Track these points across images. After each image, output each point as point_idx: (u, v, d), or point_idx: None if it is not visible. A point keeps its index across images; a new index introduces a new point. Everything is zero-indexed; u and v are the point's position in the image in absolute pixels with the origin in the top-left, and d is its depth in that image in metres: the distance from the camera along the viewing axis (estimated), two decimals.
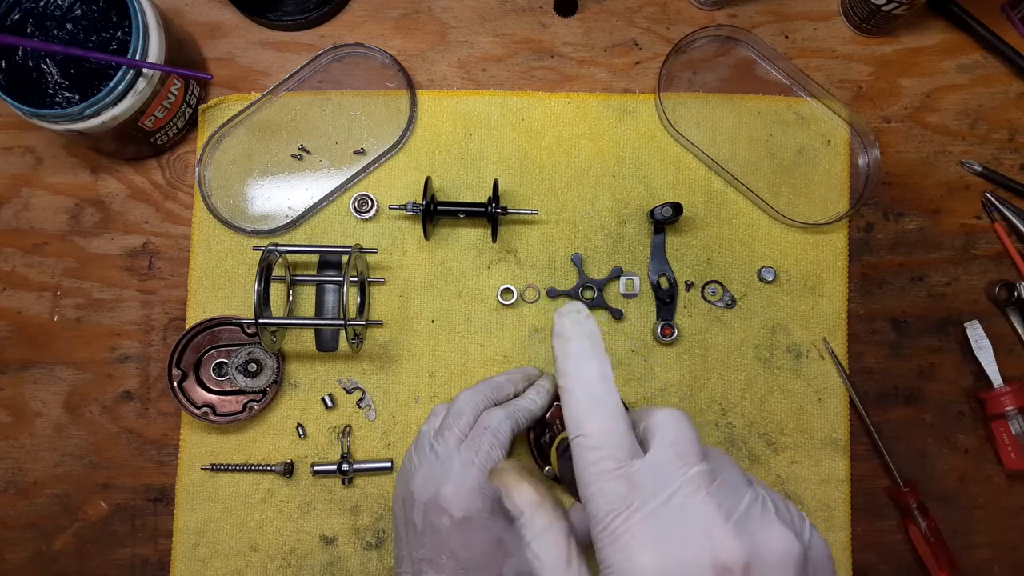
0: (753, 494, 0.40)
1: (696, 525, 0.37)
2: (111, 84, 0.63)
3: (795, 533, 0.39)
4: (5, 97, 0.62)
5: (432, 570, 0.56)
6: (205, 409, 0.69)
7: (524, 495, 0.43)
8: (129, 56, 0.63)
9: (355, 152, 0.74)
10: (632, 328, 0.72)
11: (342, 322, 0.65)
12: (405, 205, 0.70)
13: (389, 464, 0.70)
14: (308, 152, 0.74)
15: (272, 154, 0.74)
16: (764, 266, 0.73)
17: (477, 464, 0.58)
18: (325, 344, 0.72)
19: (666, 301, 0.72)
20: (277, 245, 0.68)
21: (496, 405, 0.62)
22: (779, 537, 0.38)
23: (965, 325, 0.72)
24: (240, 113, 0.73)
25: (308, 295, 0.73)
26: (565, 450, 0.56)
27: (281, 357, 0.71)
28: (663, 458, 0.40)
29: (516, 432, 0.61)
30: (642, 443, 0.42)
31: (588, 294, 0.72)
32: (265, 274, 0.66)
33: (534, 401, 0.63)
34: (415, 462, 0.60)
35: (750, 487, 0.40)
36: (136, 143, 0.70)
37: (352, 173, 0.73)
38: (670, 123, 0.73)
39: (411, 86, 0.74)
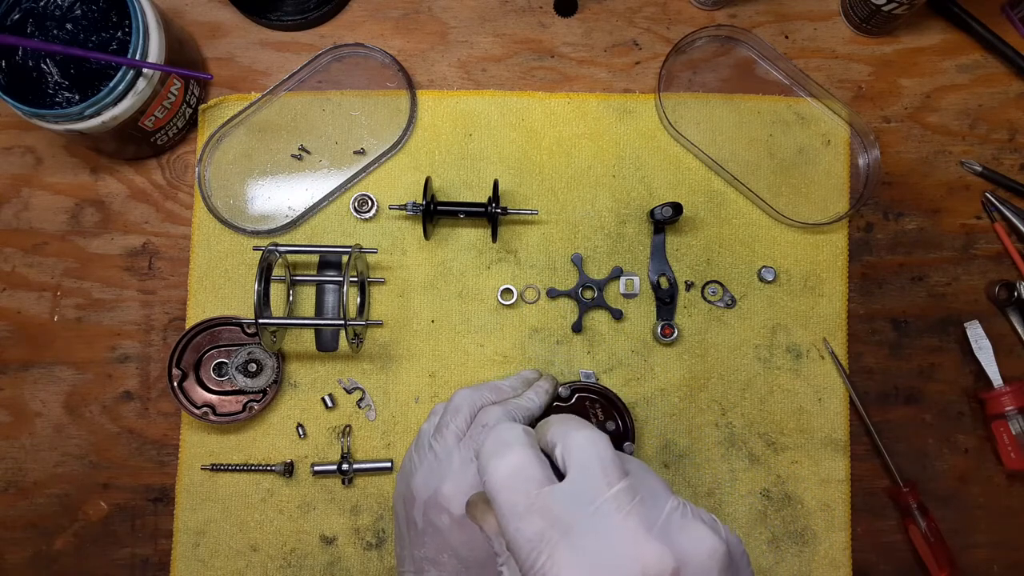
0: (674, 502, 0.41)
1: (622, 543, 0.38)
2: (111, 84, 0.63)
3: (715, 532, 0.40)
4: (5, 97, 0.62)
5: (434, 568, 0.56)
6: (205, 409, 0.69)
7: (491, 525, 0.44)
8: (129, 56, 0.63)
9: (355, 152, 0.74)
10: (632, 328, 0.72)
11: (342, 322, 0.65)
12: (405, 205, 0.70)
13: (389, 464, 0.70)
14: (308, 152, 0.74)
15: (272, 154, 0.74)
16: (764, 266, 0.73)
17: (476, 463, 0.58)
18: (325, 344, 0.72)
19: (666, 301, 0.72)
20: (277, 245, 0.68)
21: (494, 404, 0.62)
22: (702, 538, 0.39)
23: (965, 325, 0.72)
24: (240, 113, 0.73)
25: (308, 295, 0.73)
26: None
27: (281, 357, 0.71)
28: (580, 483, 0.40)
29: None
30: (560, 467, 0.42)
31: (588, 294, 0.72)
32: (265, 274, 0.66)
33: (532, 400, 0.63)
34: (415, 461, 0.60)
35: (670, 496, 0.41)
36: (136, 143, 0.71)
37: (352, 173, 0.73)
38: (670, 123, 0.73)
39: (411, 86, 0.74)
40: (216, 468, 0.70)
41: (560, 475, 0.43)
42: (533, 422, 0.64)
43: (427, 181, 0.70)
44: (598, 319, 0.72)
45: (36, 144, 0.75)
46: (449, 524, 0.56)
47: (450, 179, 0.74)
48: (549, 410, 0.68)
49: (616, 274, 0.72)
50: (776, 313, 0.72)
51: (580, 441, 0.42)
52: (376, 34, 0.76)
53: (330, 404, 0.71)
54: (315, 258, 0.73)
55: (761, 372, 0.72)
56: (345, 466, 0.69)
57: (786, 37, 0.76)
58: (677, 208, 0.69)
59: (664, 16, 0.76)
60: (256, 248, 0.67)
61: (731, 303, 0.72)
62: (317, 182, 0.74)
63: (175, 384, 0.69)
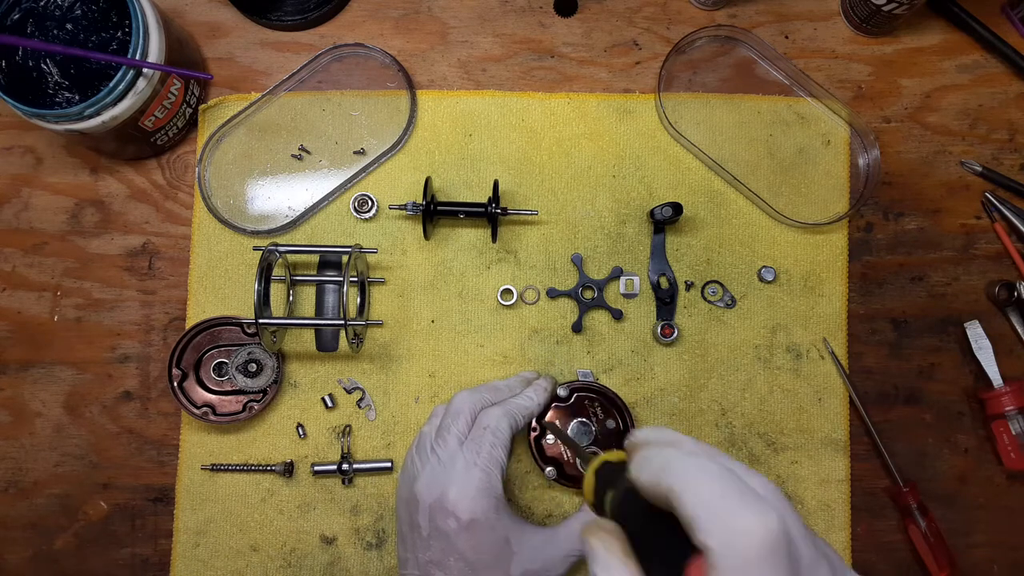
0: (815, 554, 0.32)
1: None
2: (111, 84, 0.63)
3: None
4: (5, 97, 0.62)
5: (440, 572, 0.56)
6: (205, 409, 0.69)
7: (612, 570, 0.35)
8: (129, 56, 0.63)
9: (355, 152, 0.74)
10: (632, 328, 0.72)
11: (342, 322, 0.65)
12: (405, 205, 0.70)
13: (389, 464, 0.70)
14: (308, 152, 0.74)
15: (272, 154, 0.74)
16: (764, 266, 0.73)
17: (480, 465, 0.58)
18: (325, 344, 0.72)
19: (666, 301, 0.72)
20: (277, 245, 0.68)
21: (493, 405, 0.62)
22: None
23: (965, 325, 0.72)
24: (240, 113, 0.73)
25: (308, 295, 0.73)
26: (607, 474, 0.41)
27: (281, 357, 0.71)
28: None
29: (515, 430, 0.61)
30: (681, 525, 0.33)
31: (588, 294, 0.72)
32: (265, 274, 0.66)
33: (531, 398, 0.63)
34: (417, 465, 0.60)
35: (815, 551, 0.33)
36: (136, 143, 0.71)
37: (352, 173, 0.73)
38: (670, 123, 0.73)
39: (411, 86, 0.74)
40: (216, 468, 0.70)
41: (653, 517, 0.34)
42: (532, 420, 0.64)
43: (427, 181, 0.70)
44: (598, 319, 0.72)
45: (36, 144, 0.75)
46: (456, 528, 0.56)
47: (450, 179, 0.74)
48: (547, 410, 0.69)
49: (616, 274, 0.72)
50: (776, 313, 0.72)
51: (742, 525, 0.29)
52: (376, 34, 0.76)
53: (330, 404, 0.71)
54: (315, 258, 0.73)
55: (761, 372, 0.72)
56: (345, 466, 0.69)
57: (786, 37, 0.76)
58: (677, 208, 0.69)
59: (664, 16, 0.76)
60: (256, 248, 0.67)
61: (731, 303, 0.72)
62: (317, 182, 0.74)
63: (175, 384, 0.69)
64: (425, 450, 0.60)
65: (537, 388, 0.65)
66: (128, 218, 0.74)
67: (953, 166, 0.75)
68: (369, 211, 0.73)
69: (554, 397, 0.67)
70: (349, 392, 0.72)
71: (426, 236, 0.71)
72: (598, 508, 0.41)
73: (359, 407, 0.71)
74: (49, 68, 0.65)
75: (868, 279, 0.73)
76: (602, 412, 0.69)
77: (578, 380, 0.70)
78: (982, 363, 0.70)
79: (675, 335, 0.71)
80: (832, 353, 0.72)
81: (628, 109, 0.74)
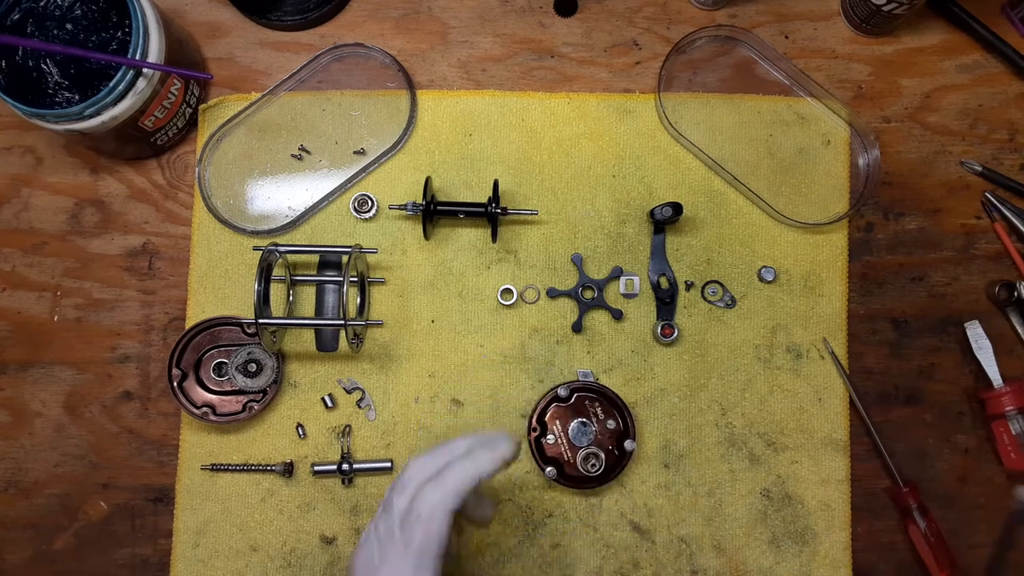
0: None
1: None
2: (111, 84, 0.63)
3: None
4: (5, 97, 0.62)
5: None
6: (205, 409, 0.69)
7: None
8: (129, 56, 0.63)
9: (355, 152, 0.74)
10: (632, 328, 0.72)
11: (342, 322, 0.65)
12: (405, 205, 0.70)
13: (389, 464, 0.70)
14: (308, 152, 0.74)
15: (272, 154, 0.74)
16: (764, 266, 0.73)
17: (409, 556, 0.52)
18: (325, 344, 0.72)
19: (666, 301, 0.72)
20: (277, 245, 0.68)
21: (432, 482, 0.54)
22: None
23: (965, 325, 0.72)
24: (240, 113, 0.73)
25: (308, 295, 0.73)
26: None
27: (281, 357, 0.71)
28: None
29: (458, 505, 0.53)
30: None
31: (588, 294, 0.72)
32: (265, 274, 0.66)
33: (477, 465, 0.54)
34: (363, 536, 0.56)
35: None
36: (136, 143, 0.71)
37: (352, 173, 0.73)
38: (670, 123, 0.73)
39: (411, 86, 0.74)
40: (216, 468, 0.70)
41: None
42: (478, 483, 0.54)
43: (427, 181, 0.70)
44: (598, 319, 0.72)
45: (36, 144, 0.75)
46: None
47: (450, 179, 0.74)
48: (549, 412, 0.68)
49: (616, 274, 0.72)
50: (776, 313, 0.72)
51: None
52: (376, 34, 0.76)
53: (330, 404, 0.71)
54: (315, 258, 0.73)
55: (761, 372, 0.72)
56: (345, 466, 0.69)
57: (786, 37, 0.76)
58: (677, 208, 0.69)
59: (664, 16, 0.76)
60: (256, 248, 0.67)
61: (731, 303, 0.72)
62: (317, 182, 0.74)
63: (175, 384, 0.69)
64: (372, 522, 0.55)
65: (496, 452, 0.55)
66: (128, 218, 0.74)
67: (953, 166, 0.75)
68: (369, 211, 0.73)
69: (515, 455, 0.55)
70: (349, 392, 0.72)
71: (426, 236, 0.71)
72: None
73: (359, 407, 0.71)
74: (49, 68, 0.65)
75: (868, 279, 0.73)
76: (602, 412, 0.69)
77: (578, 380, 0.70)
78: (982, 363, 0.70)
79: (675, 335, 0.71)
80: (832, 353, 0.72)
81: (628, 109, 0.74)
